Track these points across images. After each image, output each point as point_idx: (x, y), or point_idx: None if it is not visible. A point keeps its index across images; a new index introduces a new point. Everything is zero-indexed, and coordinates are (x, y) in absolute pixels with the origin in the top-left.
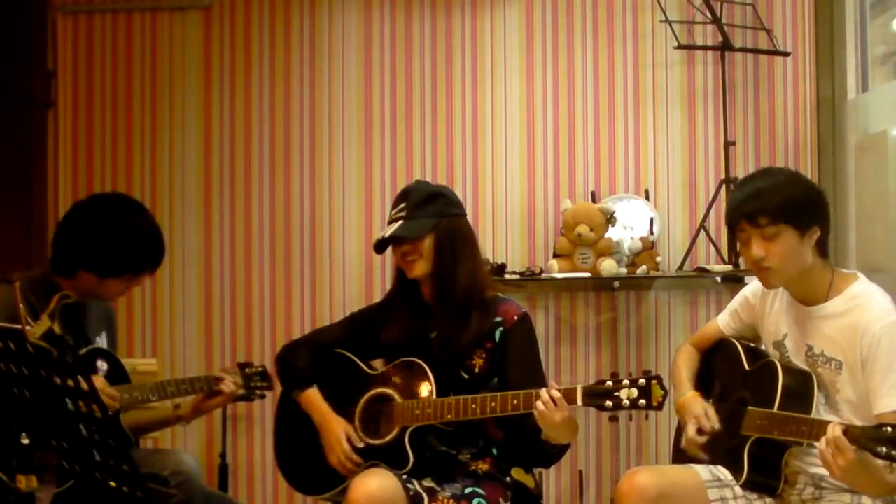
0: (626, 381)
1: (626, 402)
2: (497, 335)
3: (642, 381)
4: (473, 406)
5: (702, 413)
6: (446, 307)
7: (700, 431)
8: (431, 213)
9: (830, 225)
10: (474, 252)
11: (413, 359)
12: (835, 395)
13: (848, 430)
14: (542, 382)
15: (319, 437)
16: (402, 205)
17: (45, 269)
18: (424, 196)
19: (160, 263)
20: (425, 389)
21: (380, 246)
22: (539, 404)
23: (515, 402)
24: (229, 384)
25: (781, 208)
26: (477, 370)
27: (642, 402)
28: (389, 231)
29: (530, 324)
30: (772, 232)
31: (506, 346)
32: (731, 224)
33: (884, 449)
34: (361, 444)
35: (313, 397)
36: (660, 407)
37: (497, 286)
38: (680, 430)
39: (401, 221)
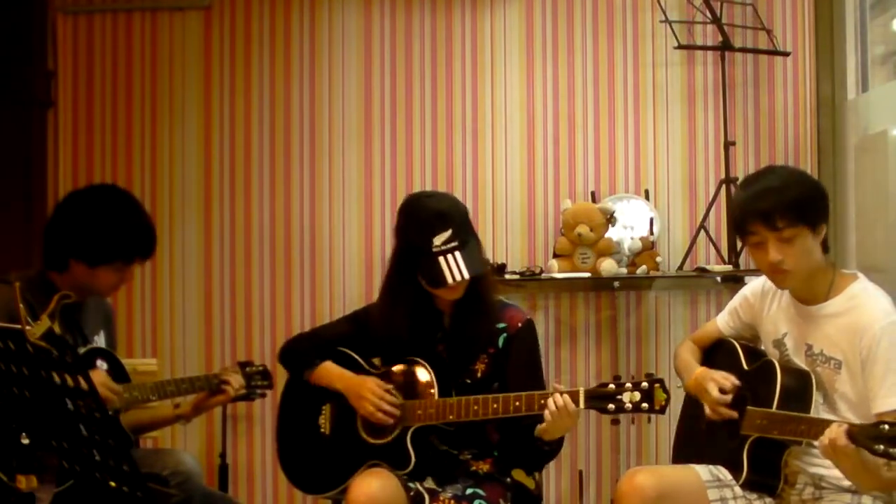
0: (628, 385)
1: (628, 405)
2: (501, 341)
3: (645, 384)
4: (475, 407)
5: (719, 376)
6: (456, 311)
7: (723, 392)
8: (471, 232)
9: (831, 221)
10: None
11: (416, 358)
12: (833, 395)
13: (846, 429)
14: (541, 388)
15: (321, 435)
16: (449, 232)
17: (41, 268)
18: (463, 217)
19: (151, 252)
20: (427, 390)
21: (442, 281)
22: (550, 406)
23: (518, 403)
24: (235, 384)
25: (796, 209)
26: (479, 374)
27: (645, 405)
28: (463, 271)
29: (534, 330)
30: (790, 234)
31: (508, 352)
32: (741, 226)
33: (881, 447)
34: (391, 386)
35: (331, 367)
36: (662, 411)
37: (501, 289)
38: (681, 429)
39: (457, 253)
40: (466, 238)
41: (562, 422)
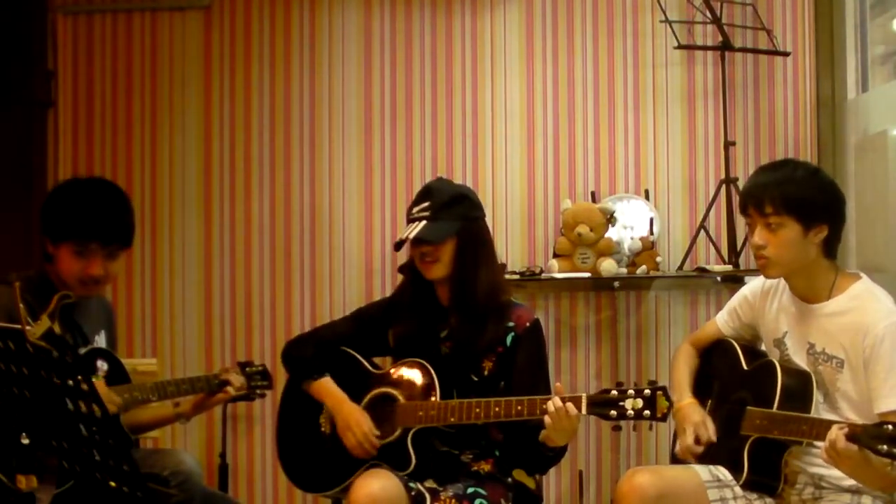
0: (631, 392)
1: (630, 412)
2: (508, 340)
3: (648, 391)
4: (477, 410)
5: (700, 422)
6: (464, 311)
7: (697, 441)
8: (455, 215)
9: (843, 227)
10: (492, 256)
11: (418, 359)
12: (834, 393)
13: (848, 430)
14: (546, 389)
15: (321, 434)
16: (426, 204)
17: (41, 268)
18: (449, 197)
19: (108, 237)
20: (429, 391)
21: (399, 243)
22: (549, 409)
23: (520, 407)
24: (236, 383)
25: (788, 201)
26: (486, 373)
27: (647, 412)
28: (413, 232)
29: (540, 330)
30: (775, 222)
31: (515, 351)
32: (741, 206)
33: (885, 447)
34: (377, 432)
35: (327, 384)
36: (664, 419)
37: (511, 290)
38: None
39: (424, 222)
40: (442, 216)
41: (561, 425)
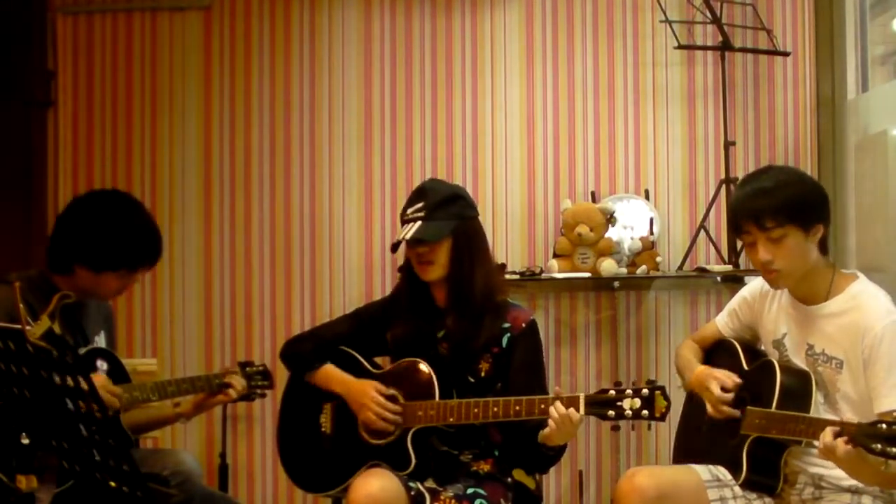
0: (629, 391)
1: (628, 412)
2: (505, 340)
3: (646, 390)
4: (476, 410)
5: (722, 374)
6: (460, 311)
7: (724, 390)
8: (450, 215)
9: (831, 221)
10: (488, 255)
11: (417, 360)
12: (834, 394)
13: (844, 428)
14: (543, 389)
15: (322, 434)
16: (420, 204)
17: (42, 268)
18: (443, 197)
19: (156, 260)
20: (429, 391)
21: (395, 245)
22: (553, 415)
23: (518, 407)
24: (238, 386)
25: (787, 209)
26: (483, 374)
27: (645, 412)
28: (409, 233)
29: (537, 331)
30: (778, 234)
31: (512, 352)
32: (735, 225)
33: (879, 446)
34: (390, 392)
35: (331, 370)
36: (662, 418)
37: (508, 289)
38: (681, 430)
39: (419, 223)
40: (437, 216)
41: (565, 429)
